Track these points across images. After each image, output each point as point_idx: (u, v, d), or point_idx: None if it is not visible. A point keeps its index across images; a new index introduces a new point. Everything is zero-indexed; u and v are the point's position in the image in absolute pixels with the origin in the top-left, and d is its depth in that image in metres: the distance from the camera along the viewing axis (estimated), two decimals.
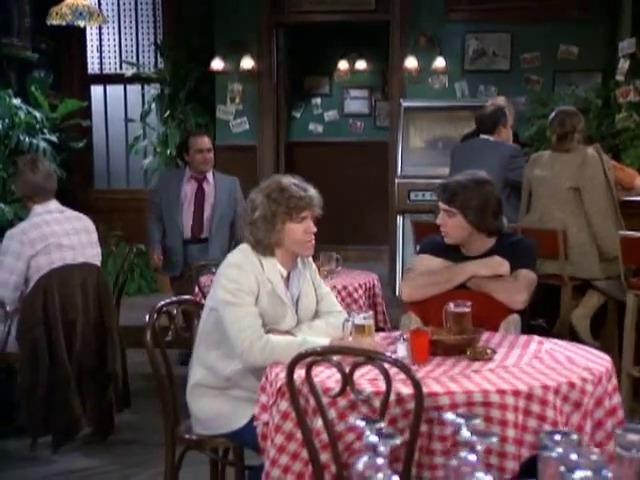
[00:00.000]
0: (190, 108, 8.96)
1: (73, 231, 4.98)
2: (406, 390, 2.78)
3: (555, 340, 3.53)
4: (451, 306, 3.44)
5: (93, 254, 5.05)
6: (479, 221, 3.77)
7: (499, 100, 6.63)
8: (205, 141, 6.27)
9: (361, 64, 11.52)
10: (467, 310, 3.43)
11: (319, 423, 2.87)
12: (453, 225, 3.83)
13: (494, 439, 2.03)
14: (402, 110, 8.39)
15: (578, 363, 3.10)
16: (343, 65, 11.53)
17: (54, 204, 5.02)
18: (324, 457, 2.88)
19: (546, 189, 5.58)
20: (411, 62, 8.66)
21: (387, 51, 8.95)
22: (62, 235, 4.91)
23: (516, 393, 2.81)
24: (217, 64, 8.79)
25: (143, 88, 9.68)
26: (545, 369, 3.05)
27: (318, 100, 11.65)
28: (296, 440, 3.00)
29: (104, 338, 4.98)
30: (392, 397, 2.76)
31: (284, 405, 3.00)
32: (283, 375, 3.04)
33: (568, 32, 8.70)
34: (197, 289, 5.10)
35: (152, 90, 9.28)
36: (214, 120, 9.05)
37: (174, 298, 3.82)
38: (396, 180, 8.18)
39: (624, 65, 7.80)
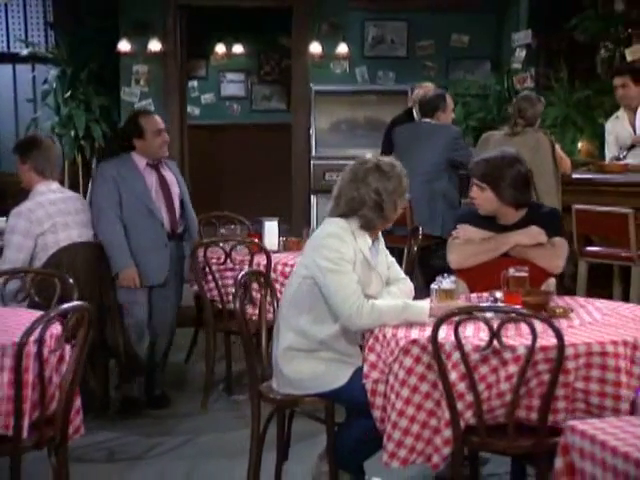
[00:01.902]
0: (93, 89, 8.89)
1: (75, 210, 5.03)
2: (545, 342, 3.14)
3: (591, 300, 4.01)
4: (511, 271, 3.82)
5: (93, 233, 5.11)
6: (508, 196, 4.14)
7: (430, 87, 7.09)
8: (160, 120, 5.27)
9: (238, 48, 11.72)
10: (526, 274, 3.83)
11: (453, 376, 3.20)
12: (484, 198, 4.18)
13: None
14: (313, 94, 8.71)
15: None
16: (220, 49, 11.68)
17: (55, 184, 5.05)
18: (459, 406, 3.21)
19: None
20: (315, 47, 8.98)
21: (263, 35, 9.22)
22: (67, 214, 4.95)
23: (625, 343, 3.23)
24: (124, 46, 8.79)
25: (34, 69, 9.49)
26: (627, 323, 3.49)
27: (195, 83, 11.74)
28: (420, 392, 3.32)
29: (104, 314, 5.06)
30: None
31: (408, 361, 3.30)
32: (402, 335, 3.35)
33: (459, 22, 9.29)
34: (207, 268, 5.19)
35: (51, 70, 9.11)
36: (118, 102, 9.03)
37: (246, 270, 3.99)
38: (312, 161, 8.50)
39: (520, 54, 8.47)
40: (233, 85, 11.85)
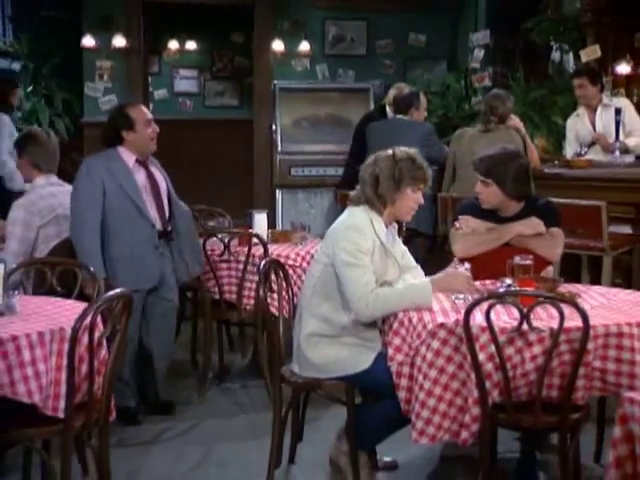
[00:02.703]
0: (55, 84, 8.90)
1: (68, 203, 5.09)
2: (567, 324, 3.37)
3: (589, 286, 4.28)
4: (517, 259, 4.04)
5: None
6: (512, 190, 4.39)
7: (403, 87, 7.32)
8: (147, 110, 5.00)
9: (191, 44, 11.80)
10: (531, 262, 4.05)
11: (481, 357, 3.41)
12: (489, 193, 4.42)
13: None
14: (277, 90, 8.86)
15: None
16: (173, 45, 11.74)
17: (54, 177, 5.12)
18: (487, 385, 3.42)
19: None
20: (277, 45, 9.13)
21: (216, 32, 9.34)
22: (68, 207, 5.02)
23: (638, 325, 3.48)
24: (88, 41, 8.82)
25: None
26: (633, 306, 3.74)
27: (148, 79, 11.76)
28: (447, 373, 3.52)
29: None
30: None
31: (436, 344, 3.50)
32: (429, 319, 3.55)
33: (417, 22, 9.56)
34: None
35: (13, 64, 9.06)
36: (81, 96, 9.05)
37: (266, 260, 4.14)
38: (278, 157, 8.65)
39: (479, 54, 8.76)
40: (186, 81, 11.95)
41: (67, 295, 4.12)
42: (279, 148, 8.76)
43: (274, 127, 8.94)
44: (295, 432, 4.25)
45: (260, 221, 5.68)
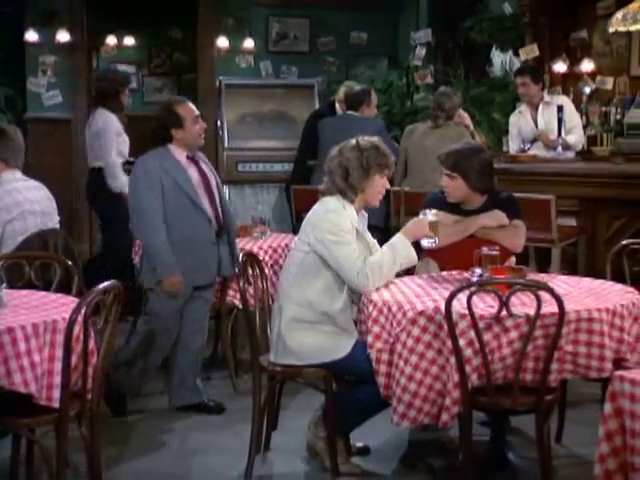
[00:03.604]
0: None
1: (41, 198, 5.12)
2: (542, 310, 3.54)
3: (553, 275, 4.48)
4: (485, 250, 4.22)
5: (58, 220, 5.22)
6: (477, 183, 4.56)
7: (353, 85, 7.48)
8: (194, 106, 4.91)
9: (129, 40, 11.77)
10: (497, 253, 4.23)
11: (460, 342, 3.57)
12: (455, 186, 4.59)
13: None
14: (223, 87, 8.94)
15: (611, 289, 4.03)
16: (111, 40, 11.70)
17: (19, 173, 5.13)
18: (467, 369, 3.58)
19: (426, 158, 6.49)
20: (222, 41, 9.20)
21: (154, 28, 9.38)
22: (34, 202, 5.05)
23: (607, 310, 3.67)
24: (31, 36, 8.76)
25: None
26: (598, 293, 3.94)
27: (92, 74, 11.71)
28: (427, 359, 3.68)
29: None
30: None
31: (416, 331, 3.66)
32: (408, 307, 3.70)
33: (358, 20, 9.72)
34: None
35: None
36: (24, 92, 8.99)
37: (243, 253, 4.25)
38: (225, 152, 8.72)
39: (421, 52, 8.96)
40: None
41: (45, 289, 4.17)
42: (225, 144, 8.83)
43: (220, 123, 9.00)
44: (270, 420, 4.36)
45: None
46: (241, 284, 4.07)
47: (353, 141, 4.11)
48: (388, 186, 4.16)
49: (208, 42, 9.27)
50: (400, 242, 4.01)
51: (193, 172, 4.83)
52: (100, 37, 11.65)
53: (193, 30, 9.95)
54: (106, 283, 3.50)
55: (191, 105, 4.89)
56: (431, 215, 4.12)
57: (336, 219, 3.97)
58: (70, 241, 5.26)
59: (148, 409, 5.04)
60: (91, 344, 3.53)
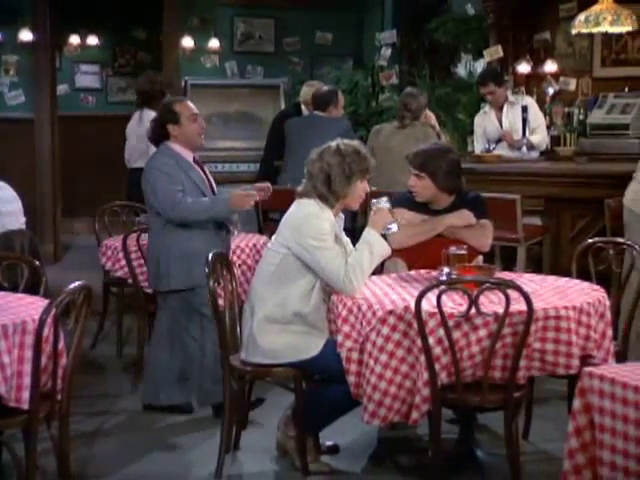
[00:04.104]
0: None
1: (6, 198, 5.09)
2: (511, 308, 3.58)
3: (520, 273, 4.53)
4: (452, 249, 4.25)
5: (24, 221, 5.19)
6: (444, 183, 4.60)
7: (317, 84, 7.49)
8: (193, 106, 4.88)
9: (92, 39, 11.70)
10: (465, 252, 4.27)
11: (430, 341, 3.60)
12: (422, 186, 4.62)
13: None
14: (189, 87, 8.92)
15: (577, 287, 4.09)
16: (74, 40, 11.62)
17: None
18: (436, 367, 3.61)
19: (393, 158, 6.52)
20: (187, 41, 9.19)
21: (118, 28, 9.32)
22: (2, 202, 5.02)
23: (574, 308, 3.72)
24: None
25: None
26: (564, 291, 3.99)
27: (55, 74, 11.59)
28: (396, 357, 3.70)
29: None
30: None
31: (386, 330, 3.69)
32: (378, 306, 3.72)
33: (323, 20, 9.74)
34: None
35: None
36: None
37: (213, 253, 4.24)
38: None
39: (386, 53, 9.00)
40: (87, 77, 11.84)
41: (12, 290, 4.15)
42: None
43: None
44: (240, 419, 4.36)
45: None
46: (210, 284, 4.06)
47: (334, 145, 4.09)
48: (368, 189, 4.17)
49: (173, 42, 9.25)
50: (372, 236, 4.01)
51: (201, 173, 4.89)
52: (63, 36, 11.53)
53: (158, 30, 9.91)
54: (76, 283, 3.49)
55: (189, 103, 4.89)
56: (384, 201, 4.13)
57: (317, 224, 3.97)
58: (36, 242, 5.24)
59: (116, 409, 5.02)
60: (61, 345, 3.51)
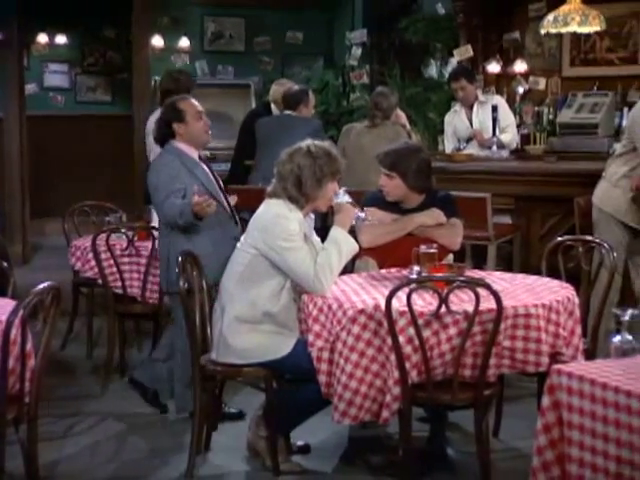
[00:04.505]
0: None
1: None
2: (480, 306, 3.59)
3: (490, 272, 4.56)
4: (423, 248, 4.26)
5: None
6: (415, 182, 4.60)
7: (287, 83, 7.47)
8: (198, 104, 4.79)
9: (61, 38, 11.61)
10: (435, 251, 4.27)
11: (400, 340, 3.60)
12: (393, 186, 4.62)
13: None
14: (159, 86, 8.84)
15: (547, 285, 4.11)
16: (42, 38, 11.53)
17: None
18: (407, 366, 3.61)
19: (364, 157, 6.52)
20: (157, 41, 9.15)
21: (87, 27, 9.26)
22: None
23: (543, 305, 3.74)
24: None
25: None
26: (533, 289, 4.01)
27: (24, 73, 11.49)
28: (367, 357, 3.71)
29: None
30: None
31: (356, 329, 3.69)
32: (348, 305, 3.72)
33: (294, 20, 9.73)
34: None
35: None
36: None
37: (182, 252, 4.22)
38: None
39: (356, 52, 9.01)
40: (56, 76, 11.74)
41: None
42: None
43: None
44: (211, 419, 4.34)
45: None
46: (180, 284, 4.04)
47: (304, 147, 4.07)
48: (337, 189, 4.16)
49: (143, 41, 9.19)
50: (338, 234, 4.01)
51: (209, 172, 4.80)
52: (31, 35, 11.42)
53: (127, 29, 9.85)
54: (44, 284, 3.46)
55: (194, 101, 4.81)
56: (345, 196, 4.13)
57: (286, 224, 3.96)
58: (4, 243, 5.21)
59: (86, 411, 4.98)
60: (29, 346, 3.49)
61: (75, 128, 11.21)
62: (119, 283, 5.38)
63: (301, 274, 3.90)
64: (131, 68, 9.35)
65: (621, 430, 2.56)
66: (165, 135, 4.75)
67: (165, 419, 4.82)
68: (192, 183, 4.57)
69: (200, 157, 4.81)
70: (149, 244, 5.36)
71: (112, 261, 5.34)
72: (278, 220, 3.97)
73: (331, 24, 9.83)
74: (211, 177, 4.79)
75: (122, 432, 4.66)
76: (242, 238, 4.13)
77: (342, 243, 3.99)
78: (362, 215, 4.13)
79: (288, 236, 3.93)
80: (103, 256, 5.38)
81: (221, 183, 4.89)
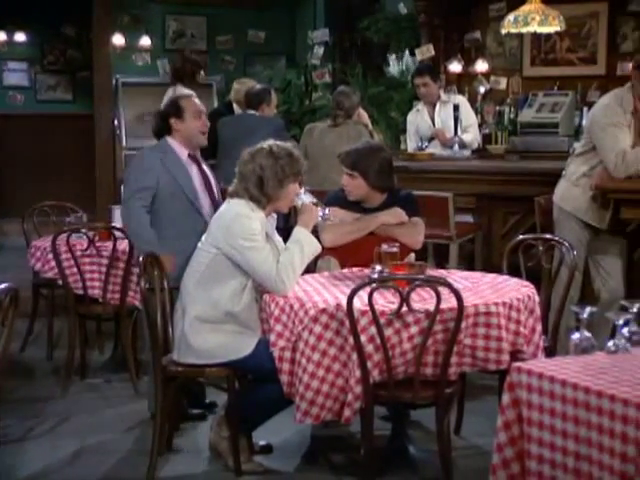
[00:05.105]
0: None
1: None
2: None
3: (452, 271, 4.58)
4: (384, 247, 4.26)
5: None
6: (377, 181, 4.61)
7: (248, 82, 7.47)
8: (200, 103, 4.77)
9: (20, 36, 11.50)
10: (397, 249, 4.29)
11: (362, 339, 3.60)
12: (355, 185, 4.62)
13: None
14: (120, 84, 8.83)
15: (507, 283, 4.13)
16: (1, 36, 11.41)
17: None
18: (368, 365, 3.61)
19: (326, 156, 6.52)
20: (118, 39, 9.09)
21: (46, 25, 9.17)
22: None
23: (504, 304, 3.76)
24: None
25: None
26: (493, 287, 4.03)
27: None
28: (329, 356, 3.71)
29: None
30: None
31: (318, 328, 3.69)
32: (310, 305, 3.72)
33: (256, 18, 9.71)
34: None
35: None
36: None
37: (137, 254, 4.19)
38: (123, 152, 8.61)
39: (319, 51, 9.01)
40: (15, 74, 11.63)
41: None
42: (123, 143, 8.72)
43: (117, 122, 8.88)
44: (172, 421, 4.32)
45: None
46: (141, 284, 4.01)
47: (267, 147, 4.07)
48: (298, 190, 4.16)
49: (103, 39, 9.13)
50: (301, 234, 4.02)
51: (194, 171, 4.69)
52: None
53: (88, 27, 9.78)
54: (2, 286, 3.41)
55: (196, 100, 4.76)
56: (308, 197, 4.14)
57: (248, 224, 3.95)
58: None
59: (47, 413, 4.94)
60: None
61: (35, 127, 11.11)
62: (80, 284, 5.34)
63: (263, 274, 3.89)
64: (92, 66, 9.28)
65: (580, 426, 2.58)
66: (162, 129, 4.69)
67: (127, 420, 4.79)
68: (169, 183, 4.54)
69: (190, 155, 4.70)
70: (110, 244, 5.32)
71: (73, 262, 5.29)
72: (240, 219, 3.96)
73: (293, 23, 9.82)
74: (197, 178, 4.68)
75: (83, 434, 4.62)
76: (203, 238, 4.12)
77: (305, 243, 3.99)
78: (326, 211, 4.14)
79: (250, 235, 3.92)
80: (63, 257, 5.34)
81: (212, 183, 4.75)
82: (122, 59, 9.32)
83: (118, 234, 5.29)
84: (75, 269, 5.31)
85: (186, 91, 5.18)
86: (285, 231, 6.78)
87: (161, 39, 9.49)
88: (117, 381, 5.50)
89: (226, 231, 3.96)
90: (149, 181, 4.53)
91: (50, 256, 5.42)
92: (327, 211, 4.16)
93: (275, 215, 4.25)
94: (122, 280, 5.25)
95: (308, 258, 4.01)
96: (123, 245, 5.28)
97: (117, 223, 5.59)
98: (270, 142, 4.11)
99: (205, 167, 4.79)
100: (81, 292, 5.35)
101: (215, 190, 4.74)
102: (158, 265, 4.26)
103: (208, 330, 3.96)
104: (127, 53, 9.33)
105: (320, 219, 4.17)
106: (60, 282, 5.46)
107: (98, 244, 5.41)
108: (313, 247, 4.03)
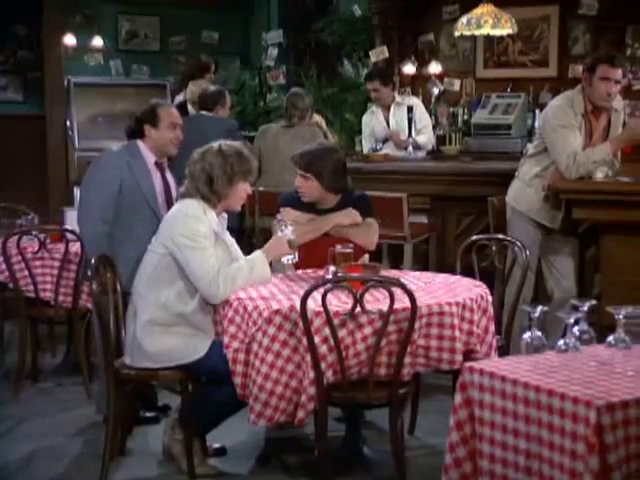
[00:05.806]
0: None
1: None
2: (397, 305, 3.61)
3: (406, 271, 4.58)
4: (339, 248, 4.26)
5: None
6: (331, 183, 4.60)
7: (203, 84, 7.45)
8: (178, 115, 4.83)
9: None
10: (351, 250, 4.29)
11: (315, 340, 3.60)
12: (309, 186, 4.61)
13: None
14: (72, 85, 8.75)
15: (460, 283, 4.15)
16: None
17: None
18: (322, 366, 3.61)
19: (280, 157, 6.52)
20: (69, 39, 9.00)
21: None
22: None
23: (457, 304, 3.78)
24: None
25: None
26: (446, 287, 4.05)
27: None
28: (282, 357, 3.70)
29: None
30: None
31: (272, 330, 3.68)
32: (264, 306, 3.71)
33: (210, 19, 9.68)
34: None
35: None
36: None
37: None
38: (75, 153, 8.53)
39: (273, 52, 9.00)
40: None
41: None
42: (76, 144, 8.64)
43: (69, 123, 8.80)
44: (125, 424, 4.28)
45: (73, 218, 5.62)
46: (94, 287, 3.97)
47: (216, 146, 4.07)
48: (250, 190, 4.16)
49: (54, 39, 9.05)
50: (259, 260, 4.02)
51: (157, 179, 4.68)
52: None
53: (38, 27, 9.66)
54: None
55: (174, 111, 4.81)
56: (289, 232, 4.13)
57: (194, 224, 3.94)
58: None
59: None
60: None
61: None
62: (31, 287, 5.27)
63: (199, 274, 3.88)
64: (43, 67, 9.18)
65: (531, 425, 2.60)
66: (134, 132, 4.68)
67: (80, 424, 4.74)
68: (132, 186, 4.54)
69: (156, 163, 4.68)
70: (62, 247, 5.27)
71: (23, 264, 5.22)
72: (186, 219, 3.96)
73: (247, 24, 9.80)
74: (159, 186, 4.66)
75: (35, 438, 4.57)
76: (153, 239, 4.09)
77: (257, 268, 4.00)
78: (288, 260, 4.14)
79: (192, 235, 3.92)
80: (14, 259, 5.26)
81: (173, 193, 4.67)
82: (74, 59, 9.22)
83: (70, 236, 5.23)
84: (26, 272, 5.24)
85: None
86: (237, 233, 6.81)
87: (114, 40, 9.41)
88: (70, 385, 5.43)
89: (171, 229, 3.97)
90: (111, 185, 4.52)
91: (0, 259, 5.34)
92: (294, 259, 4.14)
93: (226, 215, 4.24)
94: (74, 282, 5.20)
95: (252, 281, 3.98)
96: (75, 247, 5.23)
97: (70, 225, 5.54)
98: (220, 142, 4.11)
99: (168, 176, 4.77)
100: (32, 295, 5.28)
101: (174, 200, 4.62)
102: (110, 266, 4.22)
103: (160, 333, 3.94)
104: (79, 53, 9.23)
105: (284, 259, 4.15)
106: (11, 285, 5.38)
107: (50, 246, 5.35)
108: (262, 277, 4.02)
